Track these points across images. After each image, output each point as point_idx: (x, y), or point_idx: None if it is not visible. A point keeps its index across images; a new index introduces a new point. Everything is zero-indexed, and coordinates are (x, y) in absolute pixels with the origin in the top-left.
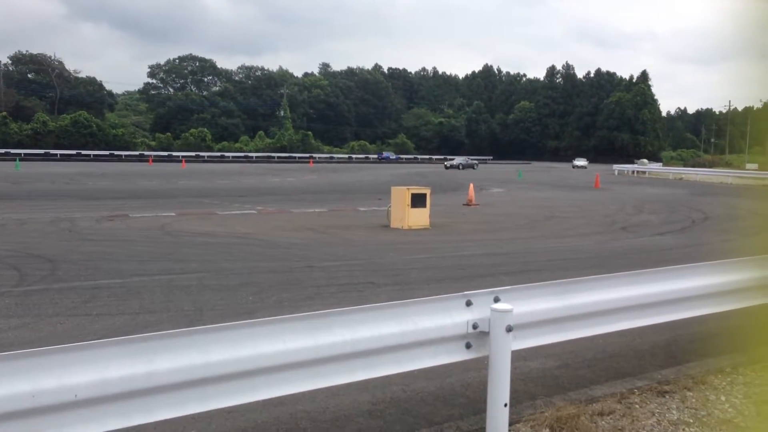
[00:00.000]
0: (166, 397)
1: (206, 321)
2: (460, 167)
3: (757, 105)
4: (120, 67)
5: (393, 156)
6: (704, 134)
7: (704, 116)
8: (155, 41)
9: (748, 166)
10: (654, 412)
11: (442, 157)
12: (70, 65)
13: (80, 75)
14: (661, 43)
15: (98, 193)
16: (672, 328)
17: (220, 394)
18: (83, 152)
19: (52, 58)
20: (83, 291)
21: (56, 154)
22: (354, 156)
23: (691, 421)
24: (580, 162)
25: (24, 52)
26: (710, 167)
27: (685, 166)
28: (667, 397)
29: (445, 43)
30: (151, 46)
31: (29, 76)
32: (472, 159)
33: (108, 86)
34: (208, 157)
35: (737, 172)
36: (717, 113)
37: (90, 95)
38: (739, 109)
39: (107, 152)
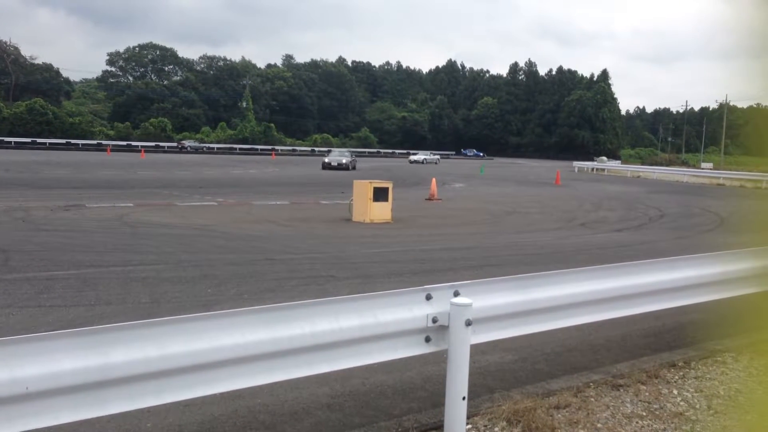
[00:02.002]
0: (121, 390)
1: (164, 313)
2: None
3: (713, 105)
4: (78, 54)
5: (472, 153)
6: (662, 133)
7: (662, 115)
8: (114, 28)
9: (703, 165)
10: (609, 405)
11: (405, 151)
12: (26, 51)
13: (36, 61)
14: (620, 42)
15: (54, 183)
16: (627, 323)
17: (177, 387)
18: (39, 140)
19: (8, 43)
20: (37, 282)
21: (10, 142)
22: (317, 149)
23: (645, 414)
24: (419, 156)
25: None
26: (667, 166)
27: (642, 164)
28: (622, 390)
29: (410, 37)
30: (109, 33)
31: None
32: (351, 154)
33: (65, 73)
34: (168, 147)
35: (693, 171)
36: (674, 113)
37: (46, 82)
38: (696, 109)
39: (64, 141)
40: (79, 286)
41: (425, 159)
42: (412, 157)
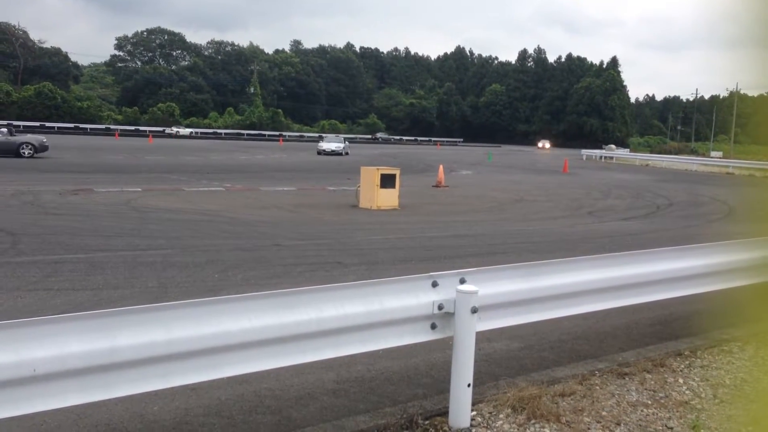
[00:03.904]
0: (128, 374)
1: (171, 298)
2: None
3: (723, 94)
4: (86, 38)
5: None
6: (671, 121)
7: (671, 103)
8: (122, 12)
9: (713, 153)
10: (614, 393)
11: (413, 138)
12: (35, 35)
13: (45, 45)
14: (628, 29)
15: (62, 167)
16: (633, 311)
17: (183, 371)
18: (47, 124)
19: (16, 27)
20: (45, 265)
21: (19, 126)
22: (324, 135)
23: (650, 402)
24: (331, 144)
25: None
26: (676, 154)
27: (651, 152)
28: (627, 379)
29: (418, 23)
30: (117, 18)
31: None
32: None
33: (73, 57)
34: (176, 132)
35: (702, 160)
36: (684, 101)
37: (55, 66)
38: (706, 97)
39: (72, 125)
40: (86, 269)
41: (343, 148)
42: (323, 145)
